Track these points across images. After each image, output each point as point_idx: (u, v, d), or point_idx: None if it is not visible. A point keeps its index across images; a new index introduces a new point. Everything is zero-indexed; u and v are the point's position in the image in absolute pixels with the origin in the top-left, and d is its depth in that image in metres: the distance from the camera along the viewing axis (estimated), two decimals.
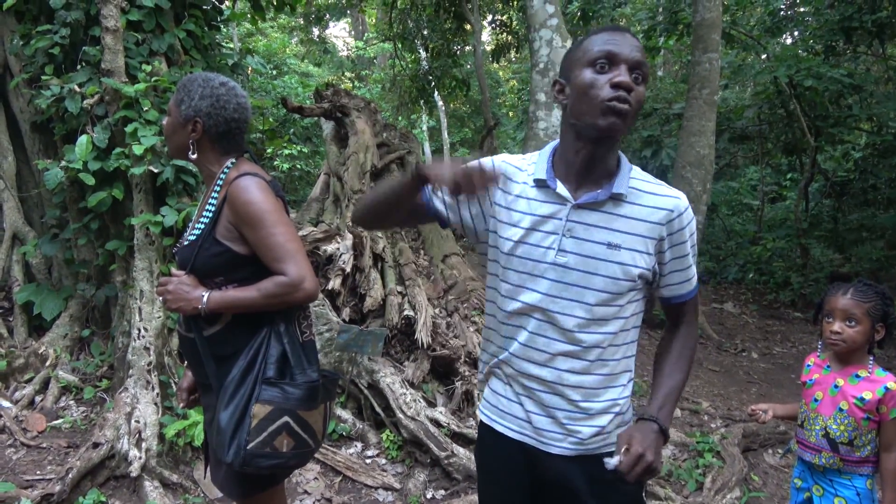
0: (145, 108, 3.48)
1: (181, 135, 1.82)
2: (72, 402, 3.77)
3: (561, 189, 1.37)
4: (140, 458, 2.97)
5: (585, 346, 1.38)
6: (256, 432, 1.64)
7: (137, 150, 3.32)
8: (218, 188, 1.78)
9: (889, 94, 8.45)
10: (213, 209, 1.76)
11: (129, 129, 3.41)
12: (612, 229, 1.35)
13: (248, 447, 1.63)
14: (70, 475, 2.83)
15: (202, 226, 1.76)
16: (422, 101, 13.58)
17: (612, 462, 1.28)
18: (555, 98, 1.40)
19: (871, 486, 2.04)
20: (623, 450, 1.28)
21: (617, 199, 1.36)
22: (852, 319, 1.99)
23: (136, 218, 3.50)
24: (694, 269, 1.46)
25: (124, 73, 3.50)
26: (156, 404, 3.23)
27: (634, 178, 1.39)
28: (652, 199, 1.37)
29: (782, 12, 9.65)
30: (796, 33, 10.39)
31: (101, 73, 3.50)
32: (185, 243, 1.79)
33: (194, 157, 1.82)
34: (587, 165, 1.37)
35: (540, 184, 1.39)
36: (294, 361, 1.74)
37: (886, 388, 1.96)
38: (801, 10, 9.66)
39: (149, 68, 3.58)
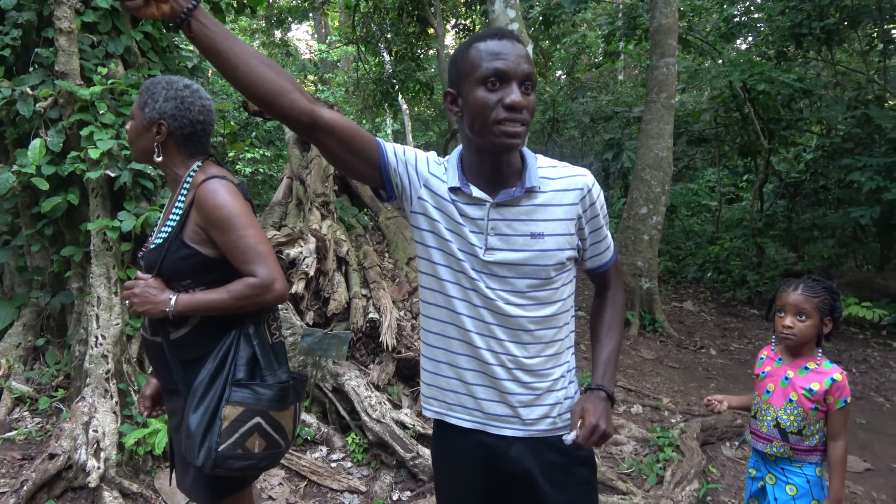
0: (101, 112, 3.41)
1: (146, 138, 1.81)
2: (26, 413, 3.66)
3: (476, 192, 1.41)
4: (98, 468, 2.90)
5: (529, 330, 1.45)
6: (227, 434, 1.64)
7: (94, 153, 3.25)
8: (185, 191, 1.77)
9: (837, 99, 8.76)
10: (180, 212, 1.75)
11: (84, 132, 3.34)
12: (532, 220, 1.42)
13: (219, 449, 1.63)
14: (25, 488, 2.76)
15: (169, 229, 1.75)
16: (386, 105, 13.56)
17: (569, 437, 1.37)
18: (448, 109, 1.42)
19: (821, 474, 2.13)
20: (578, 423, 1.38)
21: (531, 191, 1.42)
22: (803, 314, 2.07)
23: (92, 223, 3.43)
24: (610, 237, 1.57)
25: (79, 76, 3.43)
26: (114, 413, 3.17)
27: (541, 168, 1.46)
28: (562, 183, 1.44)
29: (736, 19, 9.92)
30: (750, 39, 10.69)
31: (54, 75, 3.42)
32: (152, 247, 1.78)
33: (159, 160, 1.82)
34: (495, 171, 1.42)
35: (455, 191, 1.44)
36: (264, 363, 1.74)
37: (833, 380, 2.05)
38: (756, 16, 9.94)
39: (105, 71, 3.51)
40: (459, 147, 1.50)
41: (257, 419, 1.68)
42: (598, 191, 1.48)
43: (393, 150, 1.45)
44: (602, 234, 1.53)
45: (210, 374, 1.69)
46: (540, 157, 1.49)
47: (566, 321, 1.52)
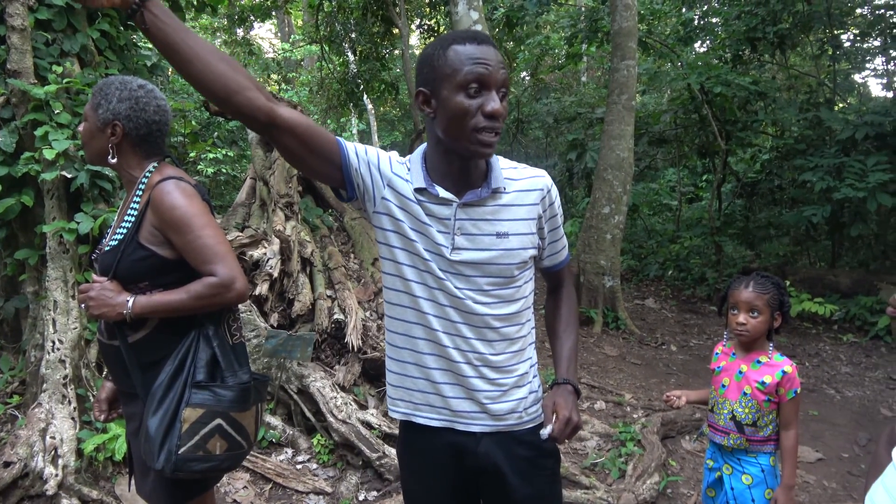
0: (57, 111, 3.33)
1: (100, 139, 1.79)
2: None
3: (443, 193, 1.42)
4: (56, 475, 2.84)
5: (495, 328, 1.47)
6: (188, 436, 1.64)
7: (49, 154, 3.18)
8: (140, 192, 1.76)
9: (790, 101, 9.04)
10: (135, 213, 1.73)
11: (39, 132, 3.26)
12: (497, 220, 1.45)
13: (179, 452, 1.62)
14: None
15: (124, 231, 1.73)
16: (351, 105, 13.49)
17: (546, 431, 1.43)
18: (419, 108, 1.42)
19: (774, 463, 2.21)
20: (553, 418, 1.43)
21: (496, 192, 1.45)
22: (755, 310, 2.15)
23: (48, 225, 3.35)
24: (565, 237, 1.64)
25: (33, 75, 3.34)
26: (73, 419, 3.10)
27: (504, 169, 1.49)
28: (524, 184, 1.48)
29: (694, 22, 10.15)
30: (707, 42, 10.95)
31: (7, 73, 3.33)
32: (106, 249, 1.76)
33: (114, 161, 1.79)
34: (461, 172, 1.44)
35: (421, 191, 1.44)
36: (224, 364, 1.74)
37: (783, 372, 2.13)
38: (713, 20, 10.19)
39: (60, 69, 3.42)
40: (422, 146, 1.50)
41: (218, 420, 1.67)
42: (555, 192, 1.54)
43: (354, 150, 1.44)
44: (559, 234, 1.60)
45: (169, 376, 1.68)
46: (500, 158, 1.52)
47: (528, 318, 1.56)
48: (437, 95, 1.36)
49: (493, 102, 1.31)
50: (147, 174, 1.77)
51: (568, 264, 1.68)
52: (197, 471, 1.66)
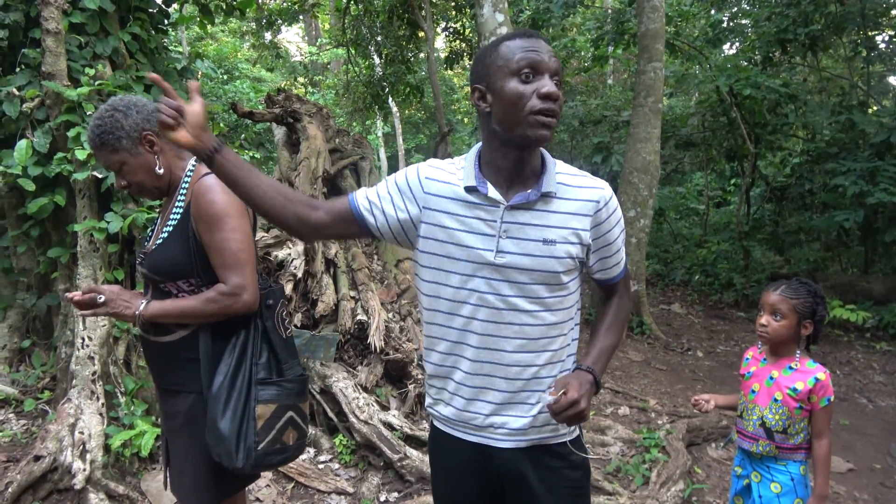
0: (88, 113, 3.40)
1: (144, 161, 1.78)
2: (11, 415, 3.64)
3: (493, 192, 1.40)
4: (84, 470, 2.89)
5: (533, 338, 1.44)
6: (265, 432, 1.69)
7: (80, 154, 3.24)
8: (184, 190, 1.79)
9: (822, 104, 8.85)
10: (181, 210, 1.76)
11: (71, 133, 3.33)
12: (545, 226, 1.40)
13: (259, 448, 1.68)
14: (10, 490, 2.74)
15: (170, 228, 1.76)
16: (376, 107, 13.56)
17: (547, 399, 1.36)
18: (475, 105, 1.43)
19: (805, 472, 2.16)
20: (560, 393, 1.35)
21: (547, 196, 1.41)
22: (778, 314, 2.12)
23: (79, 224, 3.41)
24: (621, 254, 1.54)
25: (66, 77, 3.41)
26: (101, 415, 3.15)
27: (560, 174, 1.45)
28: (579, 193, 1.43)
29: (723, 24, 10.00)
30: (737, 44, 10.78)
31: (41, 76, 3.41)
32: (153, 248, 1.78)
33: (162, 172, 1.80)
34: (516, 168, 1.42)
35: (471, 190, 1.42)
36: (283, 357, 1.80)
37: (816, 379, 2.09)
38: (744, 21, 10.03)
39: (92, 72, 3.49)
40: (477, 146, 1.49)
41: (290, 413, 1.75)
42: (614, 205, 1.47)
43: (371, 213, 1.47)
44: (613, 250, 1.51)
45: (229, 377, 1.71)
46: (559, 162, 1.49)
47: (571, 328, 1.52)
48: (493, 88, 1.37)
49: (549, 85, 1.32)
50: (189, 172, 1.80)
51: (622, 280, 1.60)
52: (275, 463, 1.74)
